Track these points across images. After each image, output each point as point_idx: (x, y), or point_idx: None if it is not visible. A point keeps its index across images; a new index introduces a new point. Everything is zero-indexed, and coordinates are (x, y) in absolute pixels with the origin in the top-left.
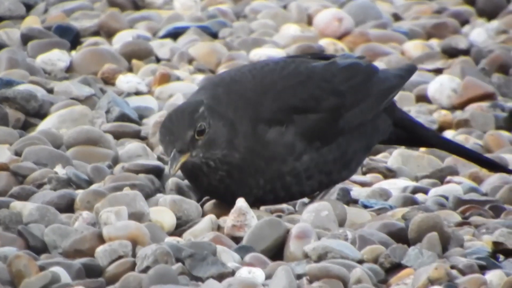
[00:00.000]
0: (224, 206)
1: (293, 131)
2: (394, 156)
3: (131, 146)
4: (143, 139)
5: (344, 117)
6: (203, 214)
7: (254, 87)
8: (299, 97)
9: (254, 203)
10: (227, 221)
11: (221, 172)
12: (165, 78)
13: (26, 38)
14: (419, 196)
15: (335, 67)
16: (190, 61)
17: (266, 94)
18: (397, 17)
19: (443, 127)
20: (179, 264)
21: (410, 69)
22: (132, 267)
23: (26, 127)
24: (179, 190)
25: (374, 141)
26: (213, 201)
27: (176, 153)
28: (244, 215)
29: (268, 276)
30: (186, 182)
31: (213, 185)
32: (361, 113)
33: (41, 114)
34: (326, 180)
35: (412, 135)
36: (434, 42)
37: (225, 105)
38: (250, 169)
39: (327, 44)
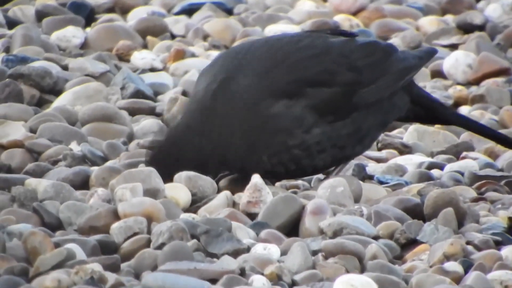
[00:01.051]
0: (239, 182)
1: (303, 104)
2: (409, 132)
3: (146, 122)
4: (158, 115)
5: (359, 93)
6: (218, 191)
7: (267, 60)
8: (313, 70)
9: (266, 176)
10: (242, 197)
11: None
12: (180, 55)
13: (40, 15)
14: (435, 172)
15: (353, 43)
16: (205, 37)
17: (278, 66)
18: None
19: (458, 103)
20: (194, 240)
21: (430, 52)
22: (147, 243)
23: (41, 103)
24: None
25: (390, 118)
26: (228, 177)
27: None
28: (260, 191)
29: (284, 252)
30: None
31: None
32: (378, 90)
33: (56, 90)
34: (340, 154)
35: (430, 112)
36: (449, 18)
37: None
38: (249, 145)
39: (342, 20)
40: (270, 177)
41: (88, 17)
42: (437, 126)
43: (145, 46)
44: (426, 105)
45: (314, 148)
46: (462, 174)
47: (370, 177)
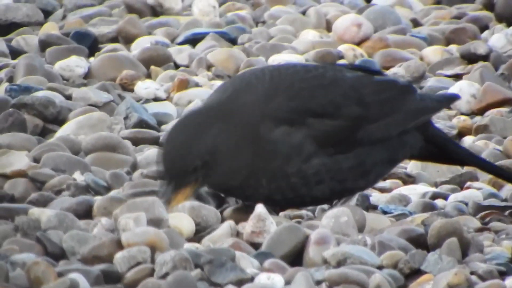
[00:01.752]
0: (243, 212)
1: (304, 133)
2: (413, 162)
3: (150, 152)
4: (162, 145)
5: (365, 128)
6: (222, 220)
7: (266, 90)
8: (317, 100)
9: (266, 202)
10: (246, 227)
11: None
12: (184, 84)
13: (44, 45)
14: (439, 202)
15: (368, 79)
16: (209, 67)
17: (279, 95)
18: (416, 23)
19: (462, 133)
20: (198, 270)
21: (451, 97)
22: (151, 273)
23: (44, 133)
24: (198, 196)
25: (400, 156)
26: (232, 207)
27: (171, 187)
28: (263, 221)
29: (287, 282)
30: (204, 188)
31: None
32: (386, 127)
33: (59, 120)
34: (339, 187)
35: (444, 151)
36: (453, 48)
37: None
38: (252, 172)
39: (346, 50)
40: (270, 204)
41: (92, 46)
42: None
43: (148, 76)
44: (440, 144)
45: (312, 178)
46: (466, 204)
47: (374, 207)
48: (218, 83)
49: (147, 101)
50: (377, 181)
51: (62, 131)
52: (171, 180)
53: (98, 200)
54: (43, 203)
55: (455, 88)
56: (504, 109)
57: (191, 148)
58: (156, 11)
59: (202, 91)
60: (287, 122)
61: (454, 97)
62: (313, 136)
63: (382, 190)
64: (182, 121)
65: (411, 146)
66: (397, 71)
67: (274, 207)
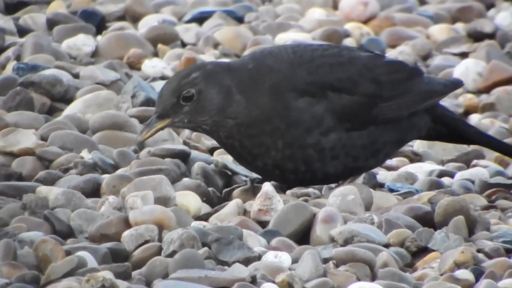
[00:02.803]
0: (250, 190)
1: (324, 105)
2: (420, 140)
3: None
4: None
5: (379, 107)
6: (230, 199)
7: (291, 60)
8: (336, 75)
9: (273, 169)
10: (253, 205)
11: (222, 132)
12: (191, 63)
13: (51, 23)
14: (445, 180)
15: (380, 59)
16: (216, 45)
17: (301, 67)
18: (422, 1)
19: (468, 111)
20: (205, 248)
21: (456, 82)
22: (158, 251)
23: (51, 112)
24: (205, 175)
25: (408, 137)
26: (240, 187)
27: (154, 118)
28: (270, 199)
29: (295, 260)
30: (211, 166)
31: (229, 145)
32: (398, 107)
33: (66, 99)
34: (352, 164)
35: (453, 131)
36: (460, 26)
37: (248, 75)
38: (266, 128)
39: (353, 28)
40: (276, 174)
41: (99, 25)
42: None
43: (155, 54)
44: (449, 124)
45: (328, 152)
46: (473, 182)
47: (380, 185)
48: (225, 61)
49: (154, 79)
50: (385, 161)
51: (70, 110)
52: (157, 111)
53: (105, 178)
54: (50, 181)
55: (461, 66)
56: (510, 87)
57: (181, 79)
58: None
59: None
60: (310, 93)
61: (459, 83)
62: (332, 110)
63: (389, 168)
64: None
65: (419, 128)
66: (404, 50)
67: (282, 183)
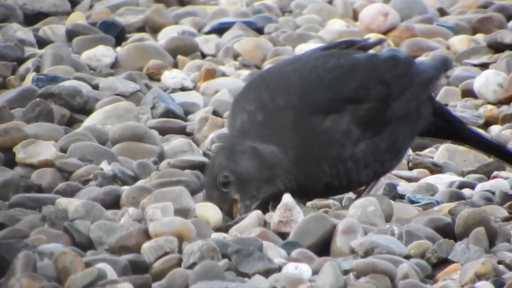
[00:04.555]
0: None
1: (348, 118)
2: (440, 151)
3: (177, 142)
4: (189, 135)
5: (391, 106)
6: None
7: (301, 82)
8: (348, 87)
9: (323, 191)
10: (274, 216)
11: (281, 186)
12: (211, 74)
13: (71, 34)
14: (466, 191)
15: (376, 58)
16: (236, 56)
17: (315, 87)
18: (442, 12)
19: (489, 122)
20: (226, 260)
21: (444, 60)
22: (178, 263)
23: (71, 123)
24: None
25: (418, 128)
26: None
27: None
28: (291, 210)
29: (315, 272)
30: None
31: (290, 190)
32: (407, 101)
33: (86, 110)
34: (380, 169)
35: (450, 125)
36: (480, 37)
37: (265, 125)
38: (311, 161)
39: (373, 40)
40: (325, 193)
41: (119, 36)
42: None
43: (175, 65)
44: (446, 118)
45: (361, 162)
46: (493, 193)
47: (401, 197)
48: (245, 72)
49: (174, 90)
50: (403, 158)
51: (89, 121)
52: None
53: (125, 190)
54: (70, 193)
55: (481, 77)
56: None
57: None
58: (183, 0)
59: (229, 81)
60: (333, 110)
61: (446, 60)
62: (355, 121)
63: (409, 180)
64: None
65: (425, 117)
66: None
67: (320, 198)
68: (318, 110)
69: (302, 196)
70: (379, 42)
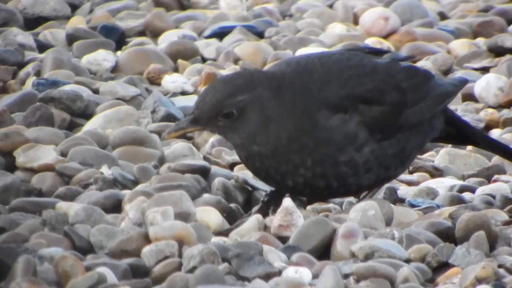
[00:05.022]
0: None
1: (356, 120)
2: (441, 155)
3: (177, 146)
4: (189, 139)
5: (404, 114)
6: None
7: (322, 75)
8: (365, 87)
9: (304, 188)
10: (274, 220)
11: (244, 152)
12: (211, 78)
13: (71, 38)
14: (466, 195)
15: (397, 65)
16: (236, 60)
17: (333, 81)
18: (443, 16)
19: (489, 126)
20: (226, 264)
21: (463, 81)
22: (179, 267)
23: (71, 127)
24: (225, 190)
25: (428, 138)
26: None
27: (187, 121)
28: (291, 214)
29: (315, 276)
30: (232, 182)
31: (255, 165)
32: (420, 112)
33: (86, 114)
34: (384, 174)
35: (461, 133)
36: (481, 41)
37: (284, 95)
38: (292, 146)
39: (373, 43)
40: (308, 192)
41: (119, 40)
42: (468, 149)
43: (176, 70)
44: (458, 126)
45: (362, 167)
46: (494, 197)
47: (401, 200)
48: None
49: (174, 94)
50: (408, 167)
51: (90, 125)
52: (192, 115)
53: (127, 194)
54: (70, 197)
55: (482, 81)
56: None
57: (227, 97)
58: (183, 5)
59: None
60: (343, 109)
61: (465, 81)
62: (364, 123)
63: (410, 183)
64: (230, 74)
65: (437, 129)
66: (424, 64)
67: (315, 200)
68: (329, 105)
69: (281, 188)
70: (408, 58)
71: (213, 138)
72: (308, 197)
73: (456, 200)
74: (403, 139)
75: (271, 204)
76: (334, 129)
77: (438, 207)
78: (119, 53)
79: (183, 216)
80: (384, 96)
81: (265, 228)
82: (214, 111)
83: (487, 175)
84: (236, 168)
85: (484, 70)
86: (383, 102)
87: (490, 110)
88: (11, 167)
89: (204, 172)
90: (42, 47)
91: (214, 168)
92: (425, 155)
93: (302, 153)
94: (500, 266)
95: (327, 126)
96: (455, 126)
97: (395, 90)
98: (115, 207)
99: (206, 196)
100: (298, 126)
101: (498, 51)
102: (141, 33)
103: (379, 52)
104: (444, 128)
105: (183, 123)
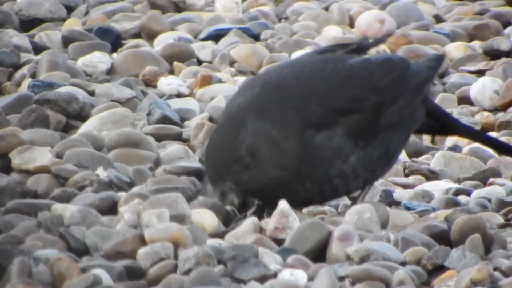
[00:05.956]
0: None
1: (340, 133)
2: (436, 158)
3: (173, 148)
4: (185, 141)
5: (384, 115)
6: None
7: (299, 92)
8: (342, 99)
9: (303, 205)
10: (269, 223)
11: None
12: (207, 80)
13: (67, 40)
14: (462, 198)
15: (371, 64)
16: (232, 63)
17: (311, 99)
18: (438, 19)
19: (485, 129)
20: (221, 266)
21: (439, 59)
22: (174, 269)
23: (67, 129)
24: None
25: (411, 132)
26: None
27: (230, 188)
28: (286, 217)
29: (311, 278)
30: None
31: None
32: (401, 109)
33: (82, 116)
34: (371, 177)
35: (442, 124)
36: (476, 44)
37: (271, 117)
38: (297, 177)
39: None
40: (305, 204)
41: (115, 42)
42: (464, 152)
43: (171, 72)
44: (439, 117)
45: (351, 175)
46: (489, 200)
47: (397, 203)
48: (241, 79)
49: (170, 97)
50: (395, 162)
51: (85, 127)
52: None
53: (123, 196)
54: (66, 199)
55: (477, 84)
56: None
57: (232, 142)
58: (179, 7)
59: (225, 87)
60: (325, 126)
61: (440, 57)
62: (347, 134)
63: (405, 186)
64: (219, 126)
65: (419, 120)
66: None
67: (301, 206)
68: (310, 125)
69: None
70: (376, 44)
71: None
72: (302, 206)
73: (452, 203)
74: (386, 139)
75: (265, 207)
76: (322, 147)
77: (434, 210)
78: (114, 55)
79: (179, 218)
80: (362, 103)
81: (261, 230)
82: (227, 162)
83: (483, 178)
84: None
85: (480, 73)
86: (362, 109)
87: (486, 113)
88: (7, 169)
89: (199, 174)
90: (38, 49)
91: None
92: (421, 158)
93: (304, 181)
94: (495, 269)
95: (315, 145)
96: (436, 118)
97: (372, 93)
98: (111, 209)
99: (201, 198)
100: (288, 154)
101: (493, 54)
102: (137, 35)
103: (347, 45)
104: (425, 121)
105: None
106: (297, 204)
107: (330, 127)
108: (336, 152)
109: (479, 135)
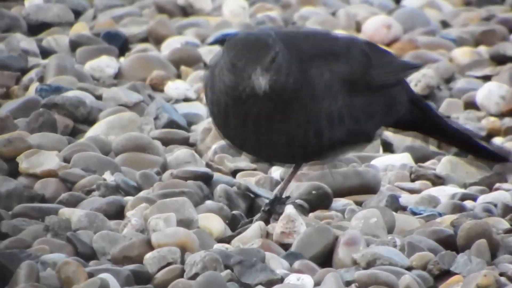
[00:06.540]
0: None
1: (329, 75)
2: (442, 163)
3: (180, 152)
4: (192, 145)
5: (370, 73)
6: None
7: (297, 36)
8: (333, 45)
9: (283, 147)
10: (276, 228)
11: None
12: None
13: (74, 45)
14: (468, 203)
15: (357, 39)
16: None
17: (307, 42)
18: (445, 24)
19: (491, 134)
20: (228, 271)
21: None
22: (181, 273)
23: (74, 133)
24: (228, 197)
25: (394, 111)
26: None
27: (262, 70)
28: (293, 222)
29: (317, 283)
30: (234, 188)
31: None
32: (385, 74)
33: (89, 120)
34: (353, 126)
35: (426, 117)
36: (483, 49)
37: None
38: (295, 105)
39: None
40: (286, 153)
41: (122, 47)
42: (470, 157)
43: (178, 76)
44: (422, 108)
45: (336, 118)
46: (495, 205)
47: (403, 208)
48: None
49: (177, 101)
50: (377, 130)
51: (93, 131)
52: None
53: (130, 200)
54: (73, 203)
55: (484, 89)
56: None
57: (267, 41)
58: (186, 11)
59: None
60: (318, 64)
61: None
62: (336, 75)
63: (412, 191)
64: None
65: (401, 103)
66: (426, 72)
67: (286, 162)
68: (305, 57)
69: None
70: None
71: (216, 144)
72: (281, 160)
73: (458, 208)
74: (370, 95)
75: (272, 213)
76: (317, 77)
77: (440, 215)
78: (122, 59)
79: (186, 223)
80: (351, 53)
81: (267, 235)
82: (271, 53)
83: (489, 184)
84: (238, 175)
85: (486, 78)
86: (350, 58)
87: (492, 119)
88: (14, 173)
89: (206, 179)
90: (46, 53)
91: (216, 175)
92: (427, 163)
93: (299, 111)
94: (501, 274)
95: (311, 76)
96: (420, 108)
97: (359, 51)
98: (118, 213)
99: (208, 203)
100: (295, 80)
101: (500, 60)
102: (144, 40)
103: None
104: (410, 108)
105: (261, 75)
106: (278, 151)
107: (322, 67)
108: (327, 89)
109: (461, 134)
